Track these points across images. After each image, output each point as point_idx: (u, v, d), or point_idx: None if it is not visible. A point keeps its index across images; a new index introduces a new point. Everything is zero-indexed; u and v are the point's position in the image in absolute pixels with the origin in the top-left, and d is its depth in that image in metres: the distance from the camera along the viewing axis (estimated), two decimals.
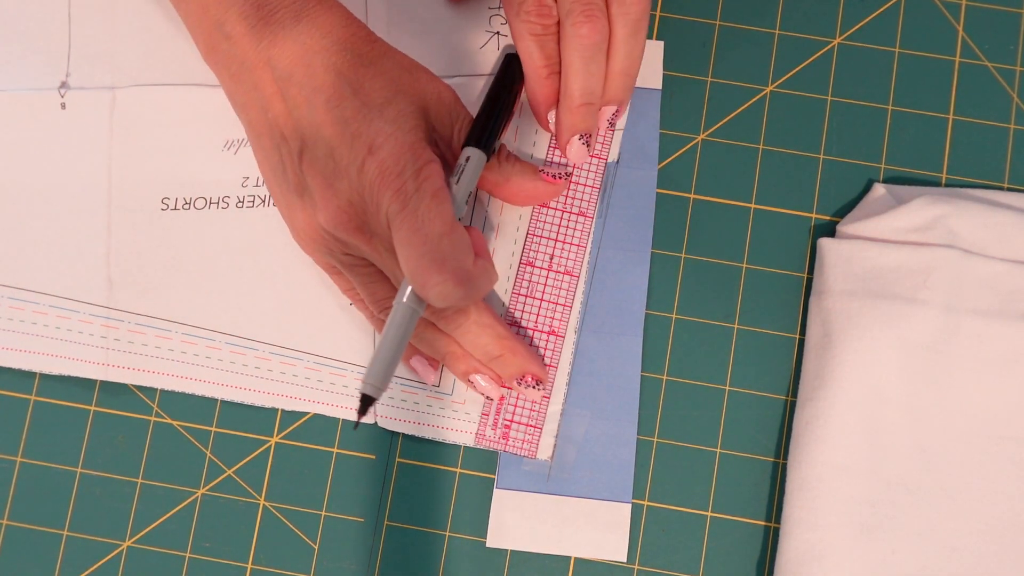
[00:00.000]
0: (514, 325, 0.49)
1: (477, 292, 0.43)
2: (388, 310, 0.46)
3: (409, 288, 0.43)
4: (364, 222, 0.44)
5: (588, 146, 0.48)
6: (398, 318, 0.44)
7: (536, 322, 0.49)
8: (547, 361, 0.49)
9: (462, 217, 0.46)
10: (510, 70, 0.48)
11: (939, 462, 0.47)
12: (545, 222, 0.50)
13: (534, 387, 0.47)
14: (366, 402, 0.43)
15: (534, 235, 0.50)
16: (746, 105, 0.51)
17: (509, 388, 0.48)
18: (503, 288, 0.50)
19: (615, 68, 0.48)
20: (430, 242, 0.42)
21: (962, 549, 0.46)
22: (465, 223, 0.50)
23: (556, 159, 0.50)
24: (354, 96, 0.43)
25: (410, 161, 0.43)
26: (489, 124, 0.46)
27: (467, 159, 0.46)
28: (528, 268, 0.49)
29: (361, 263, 0.46)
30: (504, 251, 0.50)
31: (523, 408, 0.48)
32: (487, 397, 0.48)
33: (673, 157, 0.51)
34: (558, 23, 0.47)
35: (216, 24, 0.45)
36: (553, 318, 0.49)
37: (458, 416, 0.49)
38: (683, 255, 0.50)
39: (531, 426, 0.48)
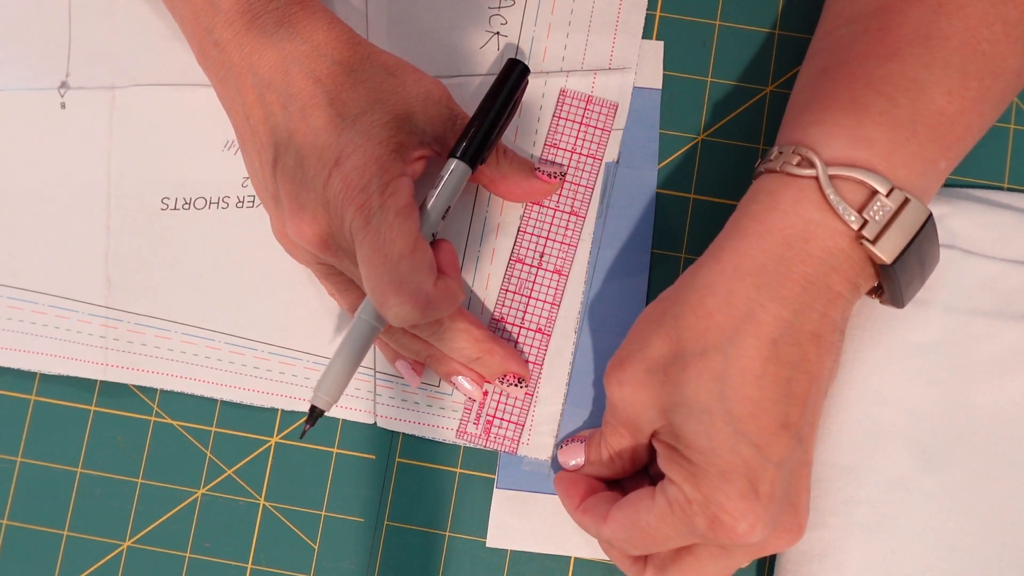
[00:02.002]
0: (501, 321, 0.49)
1: (436, 313, 0.43)
2: None
3: (370, 304, 0.43)
4: (329, 235, 0.43)
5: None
6: (356, 332, 0.43)
7: (523, 319, 0.49)
8: (533, 358, 0.49)
9: (438, 232, 0.46)
10: (509, 77, 0.48)
11: (939, 462, 0.47)
12: (537, 220, 0.50)
13: (516, 385, 0.47)
14: (314, 414, 0.43)
15: (525, 232, 0.50)
16: (746, 105, 0.51)
17: (492, 384, 0.48)
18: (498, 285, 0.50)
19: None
20: (390, 262, 0.41)
21: (962, 549, 0.46)
22: (472, 252, 0.49)
23: (552, 158, 0.50)
24: (329, 105, 0.43)
25: (376, 175, 0.42)
26: (478, 136, 0.46)
27: (449, 172, 0.45)
28: (518, 265, 0.49)
29: (334, 271, 0.46)
30: (501, 256, 0.50)
31: (506, 404, 0.48)
32: (469, 398, 0.48)
33: (673, 157, 0.51)
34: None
35: (206, 30, 0.44)
36: (540, 316, 0.49)
37: (458, 416, 0.49)
38: (683, 255, 0.50)
39: (513, 423, 0.48)
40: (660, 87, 0.51)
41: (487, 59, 0.51)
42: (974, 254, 0.47)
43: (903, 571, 0.46)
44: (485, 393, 0.48)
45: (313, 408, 0.43)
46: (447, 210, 0.45)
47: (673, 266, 0.50)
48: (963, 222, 0.48)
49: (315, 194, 0.42)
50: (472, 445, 0.49)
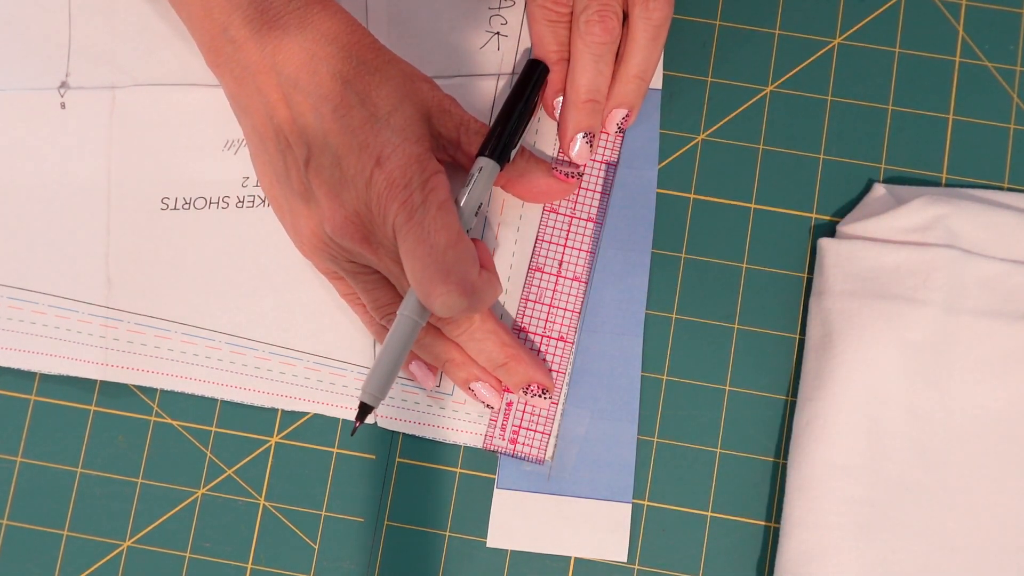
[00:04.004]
0: (522, 331, 0.49)
1: (481, 303, 0.44)
2: (390, 316, 0.46)
3: (412, 299, 0.44)
4: (370, 232, 0.44)
5: (591, 146, 0.49)
6: (400, 329, 0.44)
7: (545, 328, 0.49)
8: (556, 367, 0.49)
9: (471, 228, 0.46)
10: (531, 76, 0.49)
11: (939, 462, 0.47)
12: (554, 228, 0.50)
13: (540, 396, 0.47)
14: (364, 410, 0.44)
15: (543, 240, 0.50)
16: (746, 105, 0.51)
17: (515, 395, 0.48)
18: (504, 293, 0.49)
19: (630, 71, 0.48)
20: (435, 253, 0.42)
21: (962, 549, 0.46)
22: (476, 234, 0.50)
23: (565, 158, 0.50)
24: (361, 105, 0.44)
25: (417, 173, 0.43)
26: (504, 134, 0.47)
27: (480, 169, 0.46)
28: (537, 274, 0.49)
29: (364, 270, 0.46)
30: (503, 255, 0.50)
31: (531, 413, 0.48)
32: (487, 405, 0.48)
33: (673, 157, 0.51)
34: (572, 12, 0.48)
35: (220, 28, 0.44)
36: (562, 324, 0.49)
37: (458, 416, 0.49)
38: (683, 255, 0.50)
39: (539, 432, 0.48)
40: (660, 87, 0.51)
41: (487, 59, 0.51)
42: (974, 254, 0.47)
43: (903, 571, 0.46)
44: (509, 404, 0.48)
45: (362, 405, 0.44)
46: (480, 207, 0.46)
47: (673, 266, 0.50)
48: (963, 222, 0.48)
49: (357, 192, 0.43)
50: (500, 453, 0.48)
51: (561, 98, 0.49)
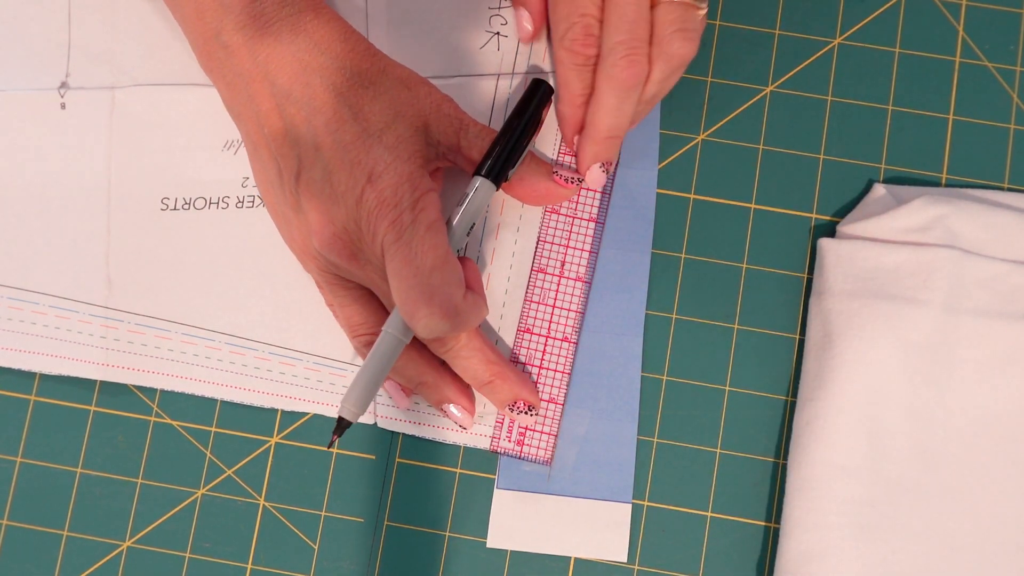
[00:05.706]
0: (527, 332, 0.49)
1: (464, 325, 0.43)
2: (360, 336, 0.46)
3: (397, 317, 0.44)
4: (358, 248, 0.44)
5: (607, 174, 0.48)
6: (383, 346, 0.44)
7: (549, 329, 0.49)
8: (560, 368, 0.49)
9: (462, 248, 0.46)
10: (534, 97, 0.48)
11: (939, 462, 0.47)
12: (556, 228, 0.50)
13: (526, 413, 0.47)
14: (342, 424, 0.44)
15: (545, 241, 0.50)
16: (746, 105, 0.51)
17: (501, 412, 0.48)
18: (504, 292, 0.50)
19: (642, 98, 0.47)
20: (421, 275, 0.42)
21: (962, 549, 0.46)
22: (474, 241, 0.50)
23: (567, 162, 0.50)
24: (354, 120, 0.43)
25: (408, 192, 0.43)
26: (503, 154, 0.46)
27: (475, 189, 0.46)
28: (540, 275, 0.49)
29: (345, 284, 0.46)
30: (503, 255, 0.50)
31: (536, 416, 0.48)
32: (460, 426, 0.48)
33: (673, 157, 0.51)
34: (599, 54, 0.47)
35: (213, 33, 0.44)
36: (566, 324, 0.49)
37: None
38: (683, 255, 0.50)
39: (545, 432, 0.48)
40: None
41: (487, 59, 0.51)
42: (974, 254, 0.47)
43: (903, 571, 0.46)
44: (504, 426, 0.48)
45: (340, 419, 0.44)
46: (472, 226, 0.46)
47: (673, 266, 0.50)
48: (963, 222, 0.48)
49: (347, 209, 0.43)
50: (508, 455, 0.48)
51: (579, 136, 0.48)
